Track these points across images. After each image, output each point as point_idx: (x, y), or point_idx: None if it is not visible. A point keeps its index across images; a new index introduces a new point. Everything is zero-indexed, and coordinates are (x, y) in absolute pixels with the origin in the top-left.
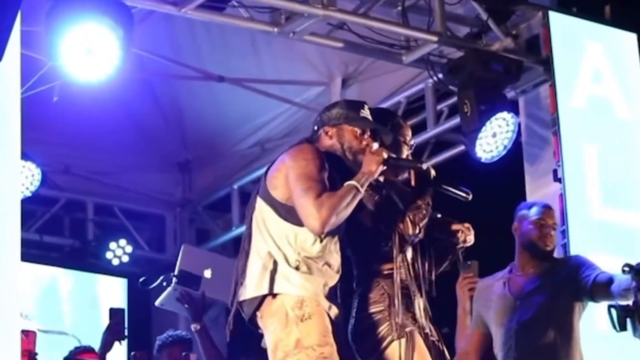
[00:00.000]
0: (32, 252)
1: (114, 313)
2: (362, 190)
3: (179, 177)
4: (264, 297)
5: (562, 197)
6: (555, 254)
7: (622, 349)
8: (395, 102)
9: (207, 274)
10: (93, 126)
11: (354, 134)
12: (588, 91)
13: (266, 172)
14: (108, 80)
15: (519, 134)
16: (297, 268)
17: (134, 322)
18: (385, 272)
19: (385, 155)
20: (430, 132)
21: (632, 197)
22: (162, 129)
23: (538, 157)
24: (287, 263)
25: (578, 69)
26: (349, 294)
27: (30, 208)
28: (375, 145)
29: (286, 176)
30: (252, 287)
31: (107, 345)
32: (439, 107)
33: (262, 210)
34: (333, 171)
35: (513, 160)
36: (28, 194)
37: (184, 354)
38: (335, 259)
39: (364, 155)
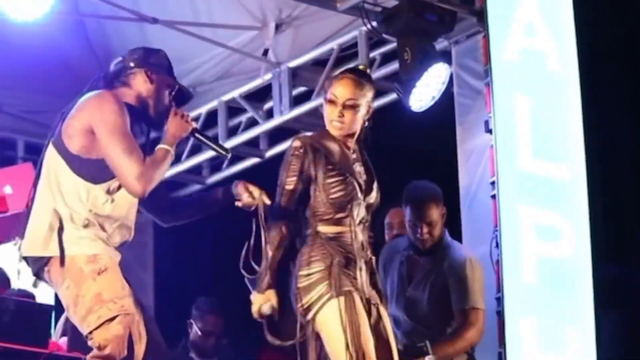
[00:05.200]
0: None
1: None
2: (173, 152)
3: None
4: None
5: (492, 148)
6: (483, 208)
7: (548, 300)
8: (328, 49)
9: (8, 189)
10: (25, 66)
11: (163, 90)
12: (521, 43)
13: (62, 118)
14: (41, 20)
15: (450, 84)
16: (86, 226)
17: None
18: (331, 235)
19: (195, 125)
20: None
21: (562, 149)
22: (94, 70)
23: (470, 108)
24: (74, 222)
25: (512, 20)
26: (292, 250)
27: None
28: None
29: (89, 127)
30: (37, 245)
31: None
32: (371, 54)
33: (55, 162)
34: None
35: (445, 111)
36: None
37: None
38: (131, 221)
39: (170, 116)
